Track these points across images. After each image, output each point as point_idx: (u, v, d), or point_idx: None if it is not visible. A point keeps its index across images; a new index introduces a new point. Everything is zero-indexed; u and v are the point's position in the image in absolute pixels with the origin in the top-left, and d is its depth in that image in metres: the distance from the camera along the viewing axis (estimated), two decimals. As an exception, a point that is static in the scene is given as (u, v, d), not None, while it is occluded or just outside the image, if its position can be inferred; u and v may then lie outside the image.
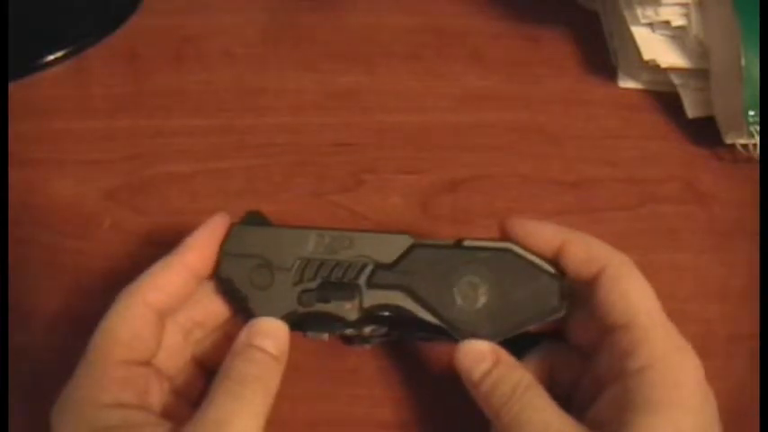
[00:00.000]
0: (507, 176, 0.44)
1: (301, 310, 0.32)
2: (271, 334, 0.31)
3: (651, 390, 0.28)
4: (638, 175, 0.44)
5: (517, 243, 0.32)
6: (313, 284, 0.32)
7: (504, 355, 0.31)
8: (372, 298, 0.32)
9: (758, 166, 0.43)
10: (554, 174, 0.44)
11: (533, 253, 0.32)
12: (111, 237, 0.41)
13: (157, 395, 0.30)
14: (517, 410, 0.29)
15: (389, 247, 0.32)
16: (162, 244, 0.40)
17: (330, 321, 0.32)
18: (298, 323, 0.32)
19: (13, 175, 0.42)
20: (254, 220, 0.33)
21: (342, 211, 0.42)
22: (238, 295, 0.32)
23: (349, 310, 0.32)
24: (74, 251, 0.40)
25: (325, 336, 0.33)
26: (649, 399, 0.28)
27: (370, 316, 0.32)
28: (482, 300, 0.32)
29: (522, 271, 0.32)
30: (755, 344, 0.36)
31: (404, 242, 0.32)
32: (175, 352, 0.32)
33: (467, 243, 0.32)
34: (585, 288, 0.32)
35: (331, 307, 0.32)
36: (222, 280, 0.32)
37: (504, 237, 0.33)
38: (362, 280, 0.32)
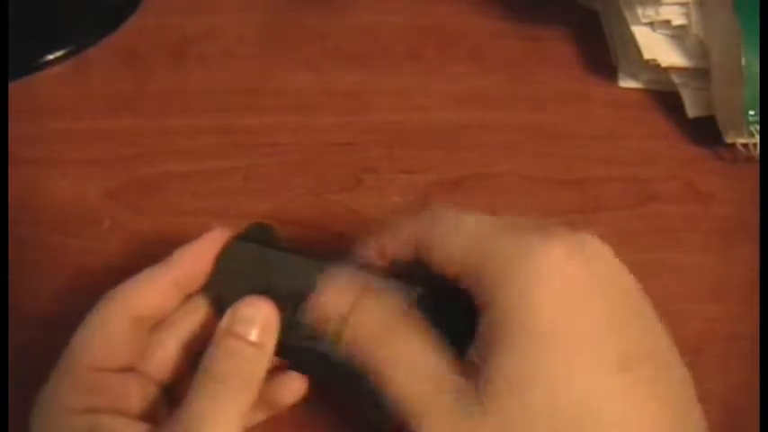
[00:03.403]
0: (507, 176, 0.44)
1: (288, 341, 0.29)
2: (254, 320, 0.28)
3: (497, 321, 0.25)
4: (639, 175, 0.44)
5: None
6: (306, 318, 0.30)
7: (370, 282, 0.29)
8: None
9: (758, 165, 0.43)
10: (554, 173, 0.44)
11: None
12: (111, 236, 0.41)
13: (140, 401, 0.30)
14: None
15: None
16: (162, 244, 0.40)
17: (316, 357, 0.30)
18: (280, 353, 0.30)
19: (13, 175, 0.42)
20: (258, 233, 0.32)
21: (341, 210, 0.42)
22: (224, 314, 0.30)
23: (338, 349, 0.29)
24: (74, 251, 0.40)
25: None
26: (498, 333, 0.25)
27: None
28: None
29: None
30: (755, 344, 0.36)
31: (413, 294, 0.30)
32: (168, 362, 0.31)
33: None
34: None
35: (319, 345, 0.29)
36: (210, 294, 0.31)
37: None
38: None
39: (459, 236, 0.28)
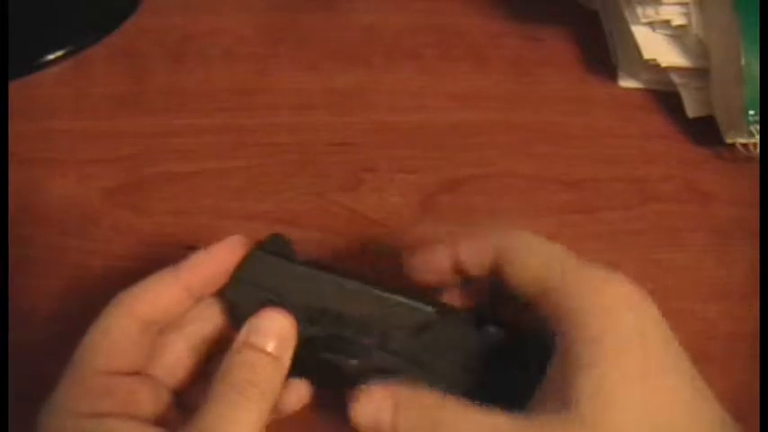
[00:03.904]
0: (507, 176, 0.44)
1: (303, 355, 0.30)
2: (272, 333, 0.29)
3: (582, 346, 0.26)
4: (639, 175, 0.44)
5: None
6: (322, 333, 0.30)
7: (401, 393, 0.28)
8: (379, 361, 0.30)
9: (758, 165, 0.43)
10: (554, 173, 0.44)
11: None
12: (110, 236, 0.41)
13: (149, 404, 0.30)
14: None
15: (410, 315, 0.30)
16: (162, 244, 0.40)
17: (330, 373, 0.31)
18: (294, 365, 0.30)
19: (13, 175, 0.42)
20: (278, 244, 0.31)
21: (341, 210, 0.42)
22: (241, 323, 0.30)
23: (353, 367, 0.30)
24: (74, 251, 0.40)
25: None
26: (582, 357, 0.26)
27: (372, 376, 0.31)
28: (489, 389, 0.30)
29: (529, 360, 0.30)
30: (755, 343, 0.36)
31: (427, 314, 0.30)
32: (178, 365, 0.31)
33: (489, 329, 0.30)
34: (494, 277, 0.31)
35: (335, 360, 0.30)
36: (228, 302, 0.31)
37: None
38: (374, 341, 0.30)
39: (542, 256, 0.29)
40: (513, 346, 0.31)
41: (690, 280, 0.40)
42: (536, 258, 0.29)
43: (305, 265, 0.31)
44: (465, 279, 0.32)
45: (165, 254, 0.40)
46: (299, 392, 0.31)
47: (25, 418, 0.34)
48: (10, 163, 0.42)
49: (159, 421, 0.29)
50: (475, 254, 0.31)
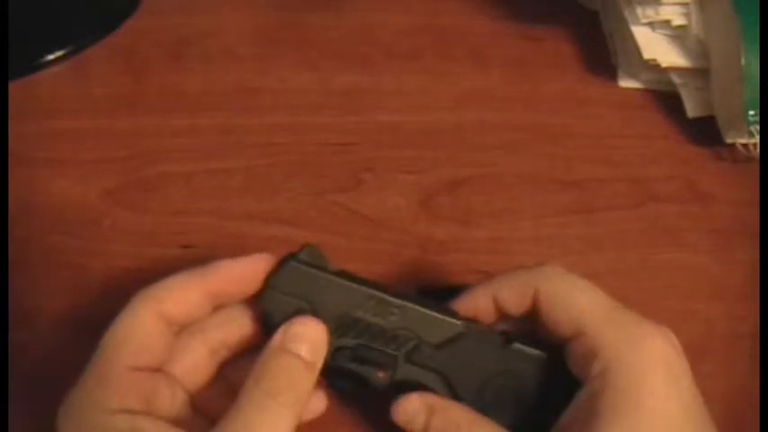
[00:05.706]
0: (507, 176, 0.44)
1: (332, 364, 0.31)
2: (307, 338, 0.29)
3: (612, 394, 0.27)
4: (639, 175, 0.44)
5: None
6: (351, 343, 0.31)
7: (437, 401, 0.31)
8: (406, 373, 0.31)
9: (758, 165, 0.43)
10: (554, 174, 0.44)
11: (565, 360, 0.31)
12: (111, 236, 0.41)
13: (167, 402, 0.30)
14: None
15: (439, 329, 0.31)
16: (162, 244, 0.40)
17: (357, 382, 0.31)
18: (323, 372, 0.31)
19: (13, 175, 0.42)
20: (311, 254, 0.32)
21: (341, 210, 0.42)
22: (272, 331, 0.30)
23: (380, 378, 0.31)
24: (74, 251, 0.40)
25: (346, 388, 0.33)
26: (611, 405, 0.27)
27: (398, 387, 0.31)
28: (509, 407, 0.31)
29: (550, 381, 0.31)
30: (755, 343, 0.36)
31: (454, 328, 0.31)
32: (197, 367, 0.31)
33: (515, 346, 0.31)
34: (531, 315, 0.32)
35: (362, 370, 0.31)
36: (260, 310, 0.31)
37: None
38: (402, 353, 0.31)
39: (580, 300, 0.30)
40: (539, 368, 0.31)
41: (690, 279, 0.40)
42: (574, 301, 0.30)
43: (337, 275, 0.31)
44: (503, 317, 0.32)
45: (165, 254, 0.40)
46: (315, 404, 0.32)
47: (26, 417, 0.34)
48: (10, 163, 0.42)
49: (175, 421, 0.29)
50: (514, 293, 0.31)
